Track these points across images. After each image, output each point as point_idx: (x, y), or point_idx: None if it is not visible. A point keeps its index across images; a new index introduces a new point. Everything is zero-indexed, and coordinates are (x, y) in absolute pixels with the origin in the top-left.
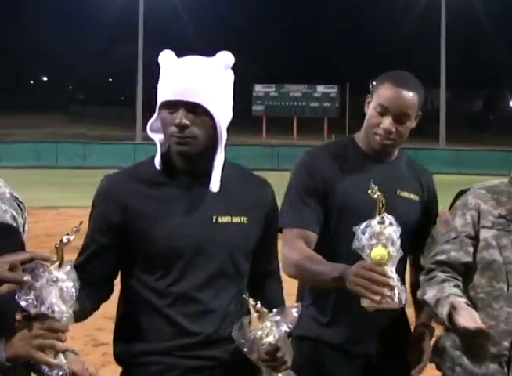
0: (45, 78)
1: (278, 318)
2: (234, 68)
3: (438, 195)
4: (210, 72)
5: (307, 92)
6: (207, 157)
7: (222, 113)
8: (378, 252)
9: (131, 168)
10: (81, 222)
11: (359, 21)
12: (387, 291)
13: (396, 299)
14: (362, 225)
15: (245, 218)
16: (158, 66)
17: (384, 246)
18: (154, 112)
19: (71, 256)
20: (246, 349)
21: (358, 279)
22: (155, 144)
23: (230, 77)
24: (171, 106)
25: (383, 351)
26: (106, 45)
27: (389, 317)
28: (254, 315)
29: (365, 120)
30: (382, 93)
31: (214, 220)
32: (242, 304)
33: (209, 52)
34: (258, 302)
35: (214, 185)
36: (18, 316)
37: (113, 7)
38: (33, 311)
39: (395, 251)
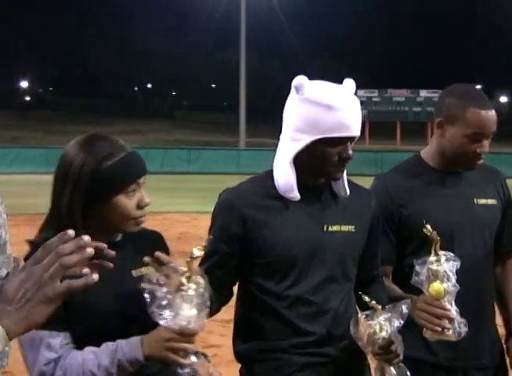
0: (149, 85)
1: (390, 314)
2: (336, 72)
3: None
4: (357, 103)
5: (410, 96)
6: None
7: None
8: (435, 288)
9: (249, 181)
10: (209, 237)
11: (459, 24)
12: (446, 324)
13: (456, 331)
14: (420, 262)
15: (352, 227)
16: (260, 72)
17: (441, 282)
18: (257, 117)
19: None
20: (361, 343)
21: (421, 313)
22: (258, 150)
23: None
24: (339, 139)
25: (480, 362)
26: (208, 52)
27: (482, 326)
28: (368, 312)
29: (450, 146)
30: (473, 121)
31: (325, 229)
32: (350, 305)
33: (312, 58)
34: (373, 300)
35: (345, 193)
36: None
37: (215, 14)
38: (171, 324)
39: (452, 286)
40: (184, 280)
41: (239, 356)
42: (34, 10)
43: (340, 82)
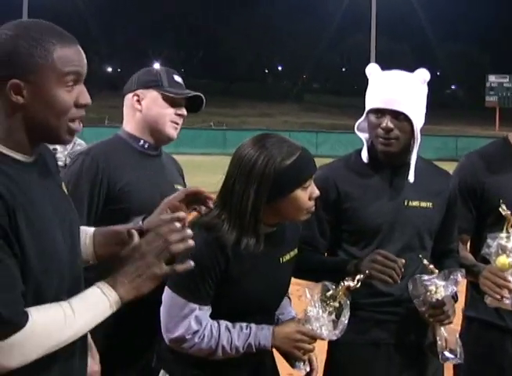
0: (279, 68)
1: (446, 279)
2: (466, 57)
3: None
4: (411, 86)
5: None
6: (405, 153)
7: (418, 119)
8: (501, 261)
9: (343, 158)
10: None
11: None
12: (505, 293)
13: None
14: (492, 236)
15: (430, 203)
16: (389, 56)
17: (507, 257)
18: None
19: None
20: (416, 302)
21: (485, 280)
22: None
23: (425, 90)
24: (379, 112)
25: None
26: (339, 35)
27: None
28: (426, 277)
29: None
30: None
31: (405, 204)
32: (424, 272)
33: (442, 42)
34: (431, 264)
35: (411, 177)
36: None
37: None
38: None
39: None
40: (331, 302)
41: None
42: None
43: (473, 69)
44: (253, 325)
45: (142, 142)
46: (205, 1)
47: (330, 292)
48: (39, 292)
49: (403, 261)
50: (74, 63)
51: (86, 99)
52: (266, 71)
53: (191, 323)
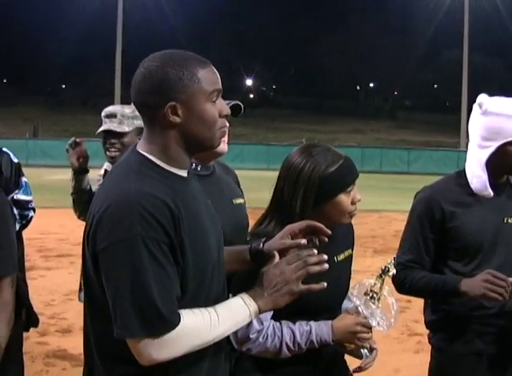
0: (371, 84)
1: None
2: None
3: None
4: None
5: None
6: None
7: None
8: None
9: (445, 179)
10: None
11: None
12: None
13: None
14: None
15: None
16: (482, 71)
17: None
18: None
19: None
20: None
21: None
22: None
23: None
24: None
25: None
26: (431, 51)
27: None
28: None
29: None
30: None
31: (505, 221)
32: None
33: None
34: None
35: None
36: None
37: (439, 13)
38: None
39: None
40: (376, 295)
41: (429, 324)
42: (261, 11)
43: None
44: (312, 322)
45: (193, 165)
46: (297, 18)
47: (372, 287)
48: (192, 296)
49: (511, 280)
50: (215, 81)
51: (227, 109)
52: (358, 88)
53: (253, 322)
